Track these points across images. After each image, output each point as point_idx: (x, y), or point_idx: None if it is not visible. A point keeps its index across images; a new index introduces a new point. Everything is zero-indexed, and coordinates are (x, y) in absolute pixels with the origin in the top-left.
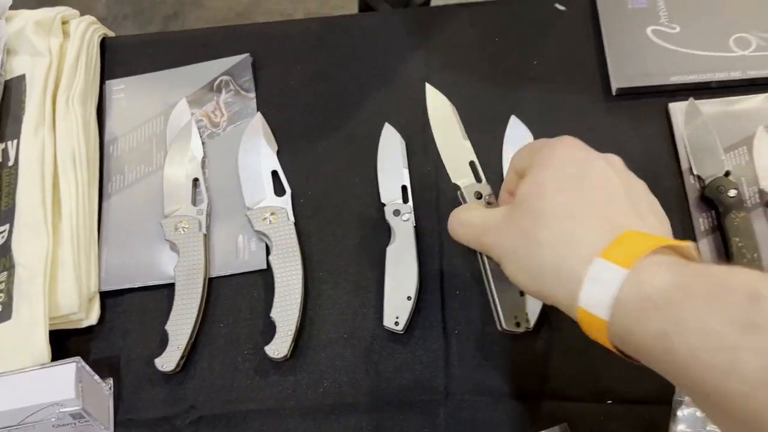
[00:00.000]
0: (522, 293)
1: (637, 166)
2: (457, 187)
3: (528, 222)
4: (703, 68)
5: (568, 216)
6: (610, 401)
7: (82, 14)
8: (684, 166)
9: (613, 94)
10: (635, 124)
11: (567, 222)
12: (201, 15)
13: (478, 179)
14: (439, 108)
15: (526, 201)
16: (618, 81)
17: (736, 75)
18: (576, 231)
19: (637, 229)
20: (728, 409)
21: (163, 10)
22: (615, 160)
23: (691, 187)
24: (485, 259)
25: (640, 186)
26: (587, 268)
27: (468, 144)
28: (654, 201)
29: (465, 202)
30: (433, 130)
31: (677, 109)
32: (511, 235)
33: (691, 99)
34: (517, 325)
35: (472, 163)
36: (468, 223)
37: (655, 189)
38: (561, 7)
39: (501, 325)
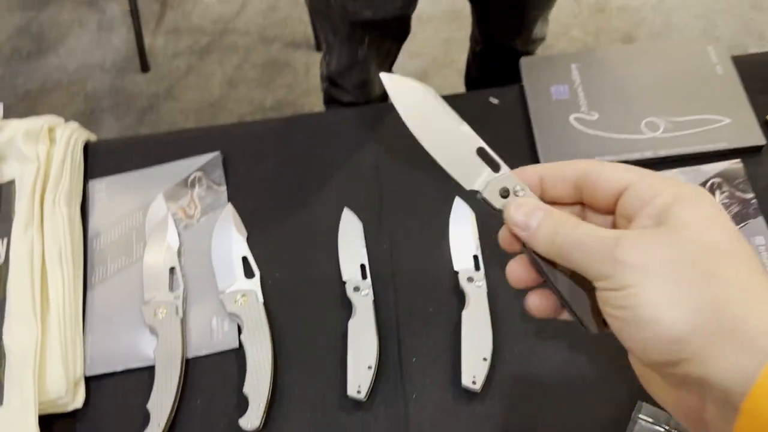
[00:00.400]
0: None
1: None
2: (475, 193)
3: (699, 252)
4: (620, 149)
5: (745, 280)
6: None
7: (63, 108)
8: None
9: None
10: None
11: (744, 285)
12: (175, 107)
13: (495, 168)
14: (411, 97)
15: (692, 229)
16: (546, 162)
17: (648, 154)
18: (754, 296)
19: None
20: None
21: (138, 102)
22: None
23: None
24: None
25: None
26: None
27: (467, 129)
28: None
29: (495, 207)
30: (412, 131)
31: None
32: (673, 259)
33: None
34: (606, 324)
35: (480, 150)
36: (589, 236)
37: None
38: (494, 101)
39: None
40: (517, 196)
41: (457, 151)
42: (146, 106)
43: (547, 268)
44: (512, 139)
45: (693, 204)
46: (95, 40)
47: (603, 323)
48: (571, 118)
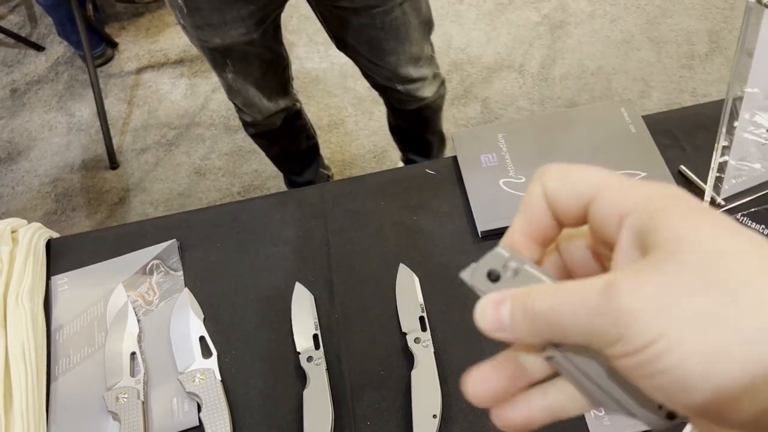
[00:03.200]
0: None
1: None
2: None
3: (713, 270)
4: None
5: (761, 256)
6: None
7: (35, 209)
8: None
9: (480, 236)
10: None
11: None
12: (145, 198)
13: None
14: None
15: (689, 245)
16: (482, 225)
17: None
18: None
19: None
20: None
21: (108, 198)
22: None
23: None
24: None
25: None
26: None
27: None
28: None
29: (484, 291)
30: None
31: None
32: (689, 290)
33: None
34: (671, 416)
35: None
36: (568, 296)
37: None
38: (431, 172)
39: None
40: (510, 276)
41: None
42: (116, 201)
43: (566, 364)
44: (449, 204)
45: (673, 212)
46: (65, 142)
47: (666, 417)
48: (501, 182)
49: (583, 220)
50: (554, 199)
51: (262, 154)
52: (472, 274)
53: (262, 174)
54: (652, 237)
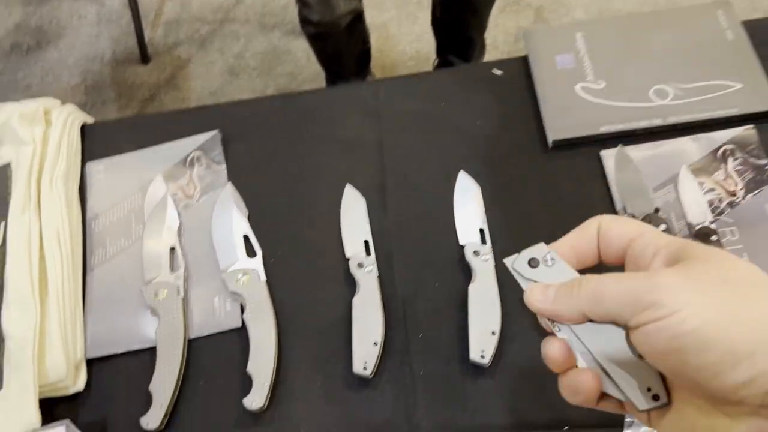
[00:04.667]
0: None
1: (574, 209)
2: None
3: (735, 276)
4: (628, 118)
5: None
6: (566, 427)
7: (64, 101)
8: (618, 206)
9: (550, 146)
10: (571, 172)
11: None
12: (176, 96)
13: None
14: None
15: (716, 263)
16: (553, 134)
17: (657, 122)
18: None
19: None
20: None
21: (139, 93)
22: None
23: None
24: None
25: None
26: None
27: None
28: None
29: (524, 278)
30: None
31: (608, 156)
32: (716, 280)
33: (620, 146)
34: (656, 398)
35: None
36: (617, 278)
37: None
38: (498, 72)
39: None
40: (547, 266)
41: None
42: (147, 96)
43: (587, 340)
44: (517, 109)
45: (704, 247)
46: (95, 32)
47: (652, 398)
48: (577, 87)
49: (619, 255)
50: (607, 231)
51: (298, 55)
52: (515, 261)
53: (298, 77)
54: (684, 255)
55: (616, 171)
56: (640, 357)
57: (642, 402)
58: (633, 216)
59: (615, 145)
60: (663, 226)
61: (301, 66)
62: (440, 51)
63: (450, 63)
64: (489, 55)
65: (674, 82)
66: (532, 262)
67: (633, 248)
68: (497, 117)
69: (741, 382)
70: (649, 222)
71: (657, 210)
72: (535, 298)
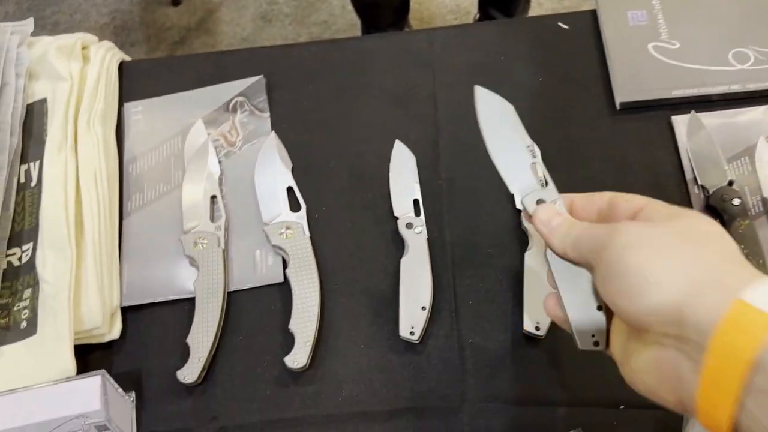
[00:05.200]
0: (600, 308)
1: (641, 177)
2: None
3: (692, 233)
4: (704, 82)
5: (730, 249)
6: (622, 406)
7: None
8: (689, 176)
9: (617, 108)
10: (639, 137)
11: (727, 250)
12: (207, 41)
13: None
14: (494, 110)
15: (692, 225)
16: (622, 95)
17: (736, 88)
18: (734, 258)
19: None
20: None
21: (169, 36)
22: None
23: (696, 196)
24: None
25: None
26: (748, 281)
27: (529, 144)
28: None
29: (528, 212)
30: (484, 135)
31: (680, 122)
32: (667, 232)
33: (693, 112)
34: (596, 344)
35: (533, 165)
36: (595, 225)
37: (661, 199)
38: (564, 26)
39: (578, 345)
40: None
41: (516, 161)
42: (177, 40)
43: (559, 280)
44: (584, 68)
45: (701, 217)
46: None
47: (593, 344)
48: (650, 46)
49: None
50: (618, 200)
51: (333, 4)
52: (526, 196)
53: (332, 26)
54: (677, 220)
55: (687, 139)
56: (599, 308)
57: (583, 343)
58: (704, 188)
59: (687, 111)
60: (737, 201)
61: (336, 15)
62: (482, 5)
63: (491, 18)
64: (533, 11)
65: (756, 46)
66: (539, 202)
67: (640, 216)
68: (561, 74)
69: (648, 308)
70: (722, 196)
71: (731, 182)
72: (542, 215)
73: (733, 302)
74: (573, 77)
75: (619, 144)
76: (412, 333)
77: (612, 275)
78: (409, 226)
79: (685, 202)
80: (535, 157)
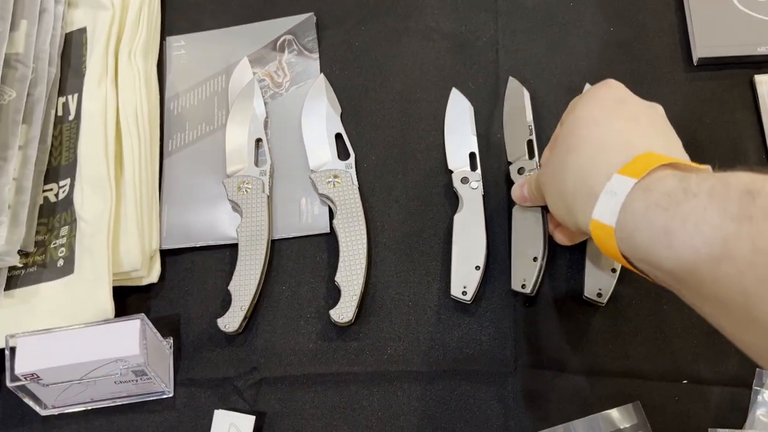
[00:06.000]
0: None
1: (718, 138)
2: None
3: (564, 153)
4: None
5: (598, 145)
6: (685, 381)
7: None
8: None
9: (695, 64)
10: (718, 96)
11: (596, 149)
12: None
13: (531, 155)
14: (516, 98)
15: (566, 135)
16: (701, 50)
17: None
18: (601, 156)
19: (657, 152)
20: (720, 294)
21: None
22: (658, 106)
23: None
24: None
25: (671, 131)
26: (605, 184)
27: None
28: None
29: (513, 179)
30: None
31: (763, 82)
32: (551, 167)
33: None
34: (523, 286)
35: (530, 142)
36: (527, 178)
37: (738, 162)
38: None
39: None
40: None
41: (519, 134)
42: None
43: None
44: (660, 19)
45: (576, 110)
46: None
47: (521, 287)
48: None
49: None
50: None
51: None
52: (512, 164)
53: None
54: (565, 121)
55: None
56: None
57: (514, 284)
58: None
59: None
60: None
61: None
62: None
63: None
64: None
65: None
66: (520, 171)
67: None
68: (635, 24)
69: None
70: None
71: None
72: (515, 195)
73: (591, 222)
74: (648, 28)
75: (695, 103)
76: (464, 293)
77: (545, 191)
78: (464, 180)
79: (764, 165)
80: (531, 134)
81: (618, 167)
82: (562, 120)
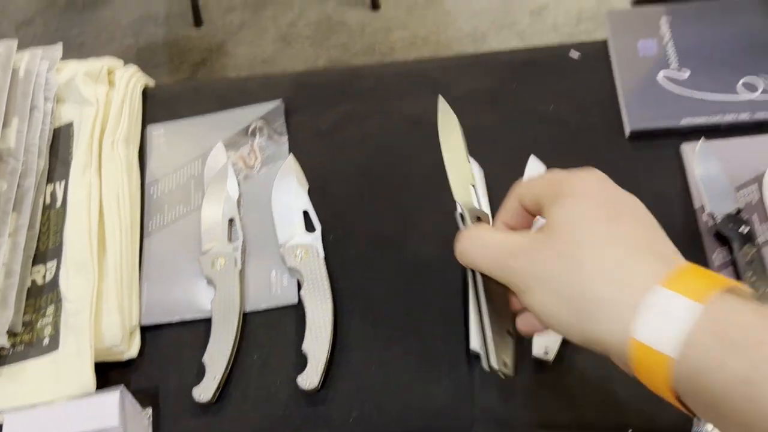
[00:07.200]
0: (510, 333)
1: (651, 204)
2: (458, 206)
3: (569, 249)
4: (713, 111)
5: (614, 245)
6: (630, 430)
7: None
8: (697, 204)
9: (627, 136)
10: (649, 165)
11: (615, 250)
12: (227, 62)
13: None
14: (448, 124)
15: (563, 229)
16: (631, 123)
17: (744, 117)
18: (627, 260)
19: (680, 257)
20: None
21: (191, 57)
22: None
23: (704, 224)
24: (481, 290)
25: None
26: (645, 296)
27: (472, 166)
28: None
29: (464, 222)
30: (441, 144)
31: (689, 150)
32: (548, 262)
33: (702, 140)
34: (505, 365)
35: (474, 187)
36: (490, 243)
37: (669, 226)
38: (575, 55)
39: (489, 364)
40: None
41: (460, 176)
42: (198, 61)
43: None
44: (594, 95)
45: (566, 202)
46: None
47: (504, 365)
48: (660, 75)
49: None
50: (522, 200)
51: (353, 27)
52: (468, 212)
53: (351, 49)
54: (548, 220)
55: (696, 167)
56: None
57: (492, 363)
58: (712, 216)
59: (697, 139)
60: (745, 228)
61: (355, 38)
62: None
63: None
64: (548, 36)
65: (765, 75)
66: (462, 218)
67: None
68: (573, 102)
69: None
70: (730, 224)
71: (739, 211)
72: (460, 241)
73: (630, 342)
74: (584, 105)
75: (628, 171)
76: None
77: (527, 304)
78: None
79: (694, 228)
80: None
81: (655, 278)
82: (530, 197)
